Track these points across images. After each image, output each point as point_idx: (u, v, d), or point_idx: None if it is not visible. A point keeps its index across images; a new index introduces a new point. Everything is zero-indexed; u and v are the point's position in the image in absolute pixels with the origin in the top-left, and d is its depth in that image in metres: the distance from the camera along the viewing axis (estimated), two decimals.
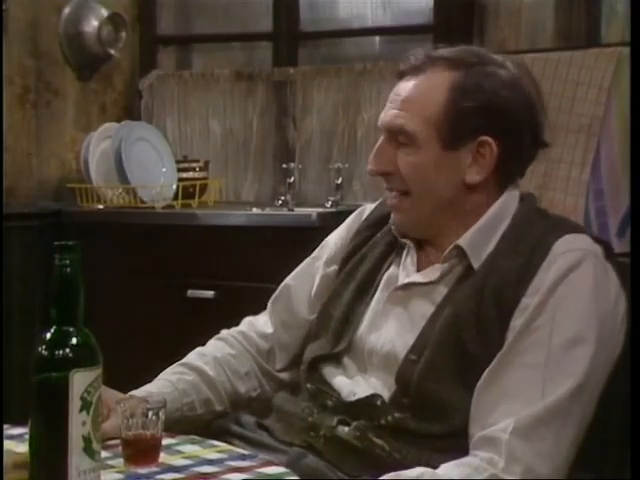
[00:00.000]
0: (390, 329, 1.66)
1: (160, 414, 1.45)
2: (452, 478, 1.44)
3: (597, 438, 1.56)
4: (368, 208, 1.86)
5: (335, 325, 1.72)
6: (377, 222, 1.81)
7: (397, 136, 1.62)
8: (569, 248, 1.55)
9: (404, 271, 1.70)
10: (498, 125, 1.61)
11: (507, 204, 1.65)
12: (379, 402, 1.60)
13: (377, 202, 1.85)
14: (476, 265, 1.60)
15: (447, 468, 1.45)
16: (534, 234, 1.59)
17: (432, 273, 1.65)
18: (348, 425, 1.60)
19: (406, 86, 1.63)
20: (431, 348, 1.56)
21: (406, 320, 1.64)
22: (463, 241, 1.62)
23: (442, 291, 1.62)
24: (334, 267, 1.83)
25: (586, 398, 1.49)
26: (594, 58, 2.97)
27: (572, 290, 1.51)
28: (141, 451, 1.43)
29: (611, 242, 2.83)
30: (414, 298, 1.65)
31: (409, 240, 1.71)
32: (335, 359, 1.71)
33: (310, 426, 1.64)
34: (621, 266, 1.60)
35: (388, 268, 1.73)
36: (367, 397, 1.61)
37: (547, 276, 1.52)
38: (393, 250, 1.75)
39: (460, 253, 1.62)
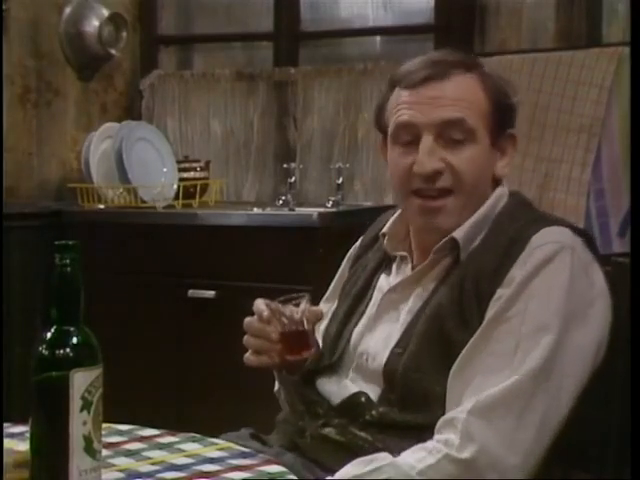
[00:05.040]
0: (383, 331, 1.68)
1: (303, 306, 1.62)
2: (407, 462, 1.45)
3: (597, 438, 1.56)
4: (359, 242, 1.89)
5: (329, 341, 1.75)
6: (368, 244, 1.85)
7: (450, 133, 1.62)
8: (546, 241, 1.56)
9: (397, 278, 1.73)
10: (513, 119, 1.70)
11: (500, 199, 1.68)
12: (363, 399, 1.62)
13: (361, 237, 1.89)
14: (463, 258, 1.62)
15: (405, 454, 1.48)
16: (514, 227, 1.60)
17: (420, 270, 1.67)
18: (332, 425, 1.63)
19: (442, 88, 1.63)
20: (415, 339, 1.59)
21: (397, 320, 1.66)
22: (459, 234, 1.63)
23: (429, 286, 1.64)
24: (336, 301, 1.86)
25: (552, 387, 1.48)
26: (595, 58, 2.98)
27: (546, 283, 1.53)
28: (294, 343, 1.62)
29: (612, 242, 2.88)
30: (405, 298, 1.67)
31: (404, 252, 1.73)
32: (328, 371, 1.73)
33: (298, 430, 1.68)
34: (620, 266, 1.60)
35: (378, 280, 1.76)
36: (350, 396, 1.64)
37: (523, 268, 1.54)
38: (382, 263, 1.78)
39: (453, 246, 1.63)
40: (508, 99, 1.68)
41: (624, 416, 1.47)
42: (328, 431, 1.62)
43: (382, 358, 1.63)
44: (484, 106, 1.64)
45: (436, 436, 1.48)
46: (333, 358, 1.73)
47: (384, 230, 1.77)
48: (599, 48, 3.04)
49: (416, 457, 1.46)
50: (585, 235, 1.62)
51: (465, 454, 1.44)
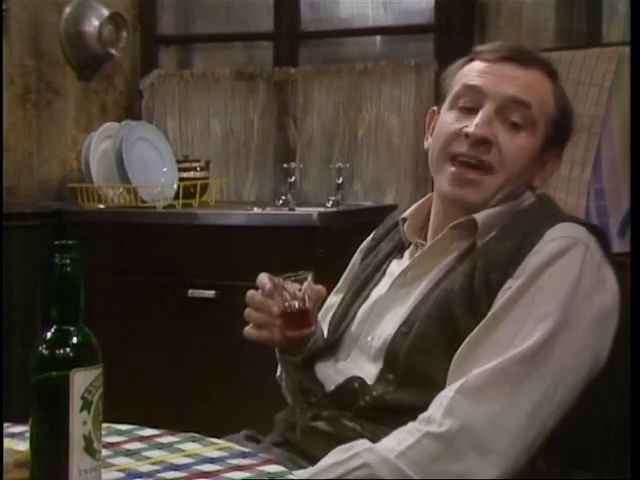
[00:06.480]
0: (392, 314, 1.67)
1: (305, 284, 1.62)
2: (386, 446, 1.45)
3: (597, 437, 1.56)
4: (371, 236, 1.89)
5: (334, 322, 1.76)
6: (381, 236, 1.85)
7: (511, 113, 1.62)
8: (559, 235, 1.55)
9: (409, 262, 1.72)
10: (565, 139, 1.70)
11: (526, 199, 1.68)
12: (356, 384, 1.62)
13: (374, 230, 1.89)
14: (479, 244, 1.62)
15: (386, 439, 1.47)
16: (530, 220, 1.61)
17: (433, 245, 1.67)
18: (323, 417, 1.62)
19: (519, 71, 1.64)
20: (422, 321, 1.58)
21: (406, 303, 1.66)
22: (479, 216, 1.63)
23: (442, 270, 1.64)
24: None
25: (547, 376, 1.47)
26: (595, 58, 2.97)
27: (556, 276, 1.52)
28: (294, 319, 1.62)
29: (612, 242, 2.88)
30: (415, 280, 1.67)
31: (421, 240, 1.73)
32: (328, 353, 1.72)
33: (289, 425, 1.68)
34: (620, 265, 1.60)
35: (389, 265, 1.76)
36: (344, 382, 1.64)
37: (534, 261, 1.53)
38: (395, 249, 1.78)
39: (470, 227, 1.63)
40: (571, 117, 1.69)
41: (624, 416, 1.47)
42: (318, 424, 1.62)
43: (388, 337, 1.63)
44: (551, 109, 1.65)
45: (420, 415, 1.47)
46: (334, 337, 1.73)
47: (405, 215, 1.78)
48: (599, 48, 3.04)
49: (396, 440, 1.46)
50: (599, 233, 1.62)
51: (444, 427, 1.43)
